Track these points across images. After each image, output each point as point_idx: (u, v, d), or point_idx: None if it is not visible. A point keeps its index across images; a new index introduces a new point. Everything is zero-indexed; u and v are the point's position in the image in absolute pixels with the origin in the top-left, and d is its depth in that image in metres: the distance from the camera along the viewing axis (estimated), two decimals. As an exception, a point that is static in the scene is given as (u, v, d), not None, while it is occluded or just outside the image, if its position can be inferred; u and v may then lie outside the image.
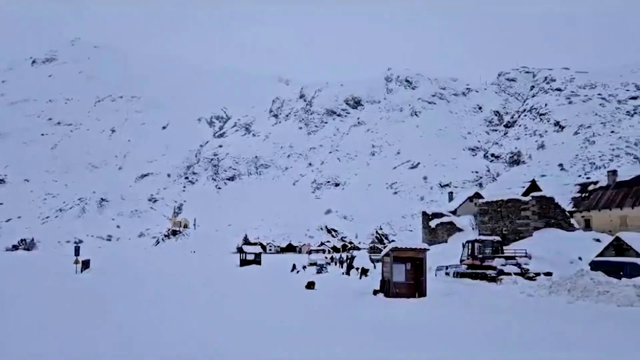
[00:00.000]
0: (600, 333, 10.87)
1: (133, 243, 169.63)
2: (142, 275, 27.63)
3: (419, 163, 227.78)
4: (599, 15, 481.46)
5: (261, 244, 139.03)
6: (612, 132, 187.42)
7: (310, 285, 22.25)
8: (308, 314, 13.66)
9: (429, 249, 20.33)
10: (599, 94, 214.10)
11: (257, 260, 47.78)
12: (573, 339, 9.86)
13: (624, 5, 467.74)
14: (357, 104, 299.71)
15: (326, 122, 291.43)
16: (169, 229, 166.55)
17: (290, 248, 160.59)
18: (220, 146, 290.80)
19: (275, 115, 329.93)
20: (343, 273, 35.24)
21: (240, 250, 55.51)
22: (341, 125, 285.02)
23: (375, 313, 13.84)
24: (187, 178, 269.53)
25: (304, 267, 41.33)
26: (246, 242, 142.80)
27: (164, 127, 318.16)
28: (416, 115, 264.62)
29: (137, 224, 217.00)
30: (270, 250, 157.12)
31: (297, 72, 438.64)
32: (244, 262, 47.53)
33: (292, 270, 38.70)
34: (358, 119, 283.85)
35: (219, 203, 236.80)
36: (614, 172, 56.51)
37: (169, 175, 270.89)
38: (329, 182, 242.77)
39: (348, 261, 39.08)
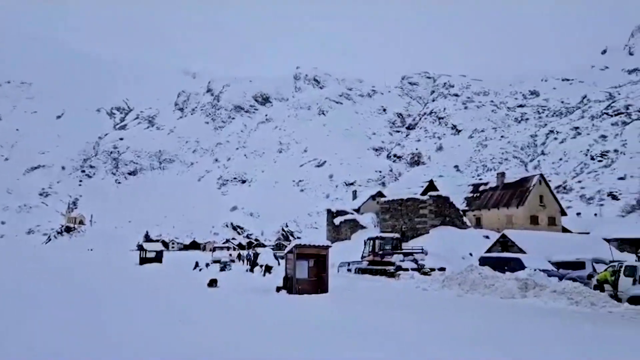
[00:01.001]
0: (482, 322, 11.73)
1: (21, 240, 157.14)
2: (26, 274, 25.73)
3: (325, 161, 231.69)
4: (496, 27, 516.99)
5: (163, 242, 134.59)
6: (502, 136, 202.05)
7: (213, 282, 21.91)
8: (208, 312, 13.46)
9: (331, 246, 20.76)
10: (492, 101, 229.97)
11: (158, 258, 46.13)
12: (459, 328, 10.56)
13: (518, 19, 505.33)
14: (265, 100, 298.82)
15: (233, 118, 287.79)
16: (63, 226, 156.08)
17: (194, 245, 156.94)
18: (121, 139, 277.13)
19: (181, 109, 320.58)
20: (247, 270, 35.05)
21: (140, 247, 53.31)
22: (249, 122, 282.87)
23: (276, 309, 13.94)
24: (83, 171, 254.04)
25: (207, 265, 40.55)
26: (147, 239, 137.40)
27: (58, 117, 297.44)
28: (323, 114, 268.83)
29: (26, 220, 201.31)
30: (173, 247, 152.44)
31: (205, 66, 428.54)
32: (144, 260, 45.72)
33: (195, 268, 37.84)
34: (266, 115, 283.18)
35: (119, 198, 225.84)
36: (502, 174, 61.03)
37: (63, 168, 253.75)
38: (235, 178, 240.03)
39: (252, 258, 38.90)
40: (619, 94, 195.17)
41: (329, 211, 63.36)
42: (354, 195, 73.94)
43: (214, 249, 65.86)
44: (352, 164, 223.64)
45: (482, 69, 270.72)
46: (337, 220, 58.85)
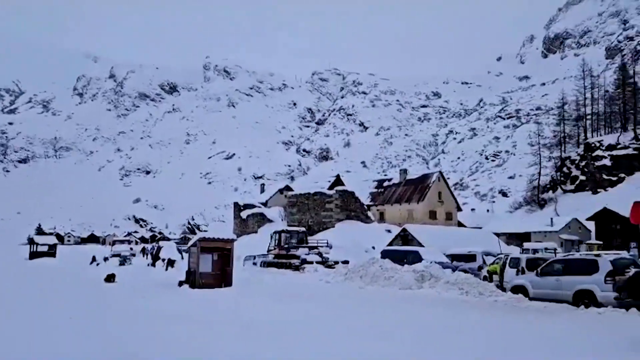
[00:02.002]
0: (380, 312, 12.24)
1: None
2: None
3: (234, 154, 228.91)
4: (403, 29, 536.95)
5: (57, 235, 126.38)
6: (406, 134, 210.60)
7: (110, 278, 20.93)
8: (102, 307, 12.87)
9: (236, 240, 20.59)
10: (397, 100, 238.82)
11: (51, 252, 43.20)
12: (358, 320, 10.94)
13: (424, 23, 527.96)
14: (172, 89, 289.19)
15: (138, 106, 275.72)
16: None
17: (92, 239, 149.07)
18: (11, 123, 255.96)
19: (80, 94, 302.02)
20: (149, 265, 33.86)
21: (31, 241, 49.61)
22: (155, 111, 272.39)
23: (176, 304, 13.62)
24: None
25: (106, 259, 38.65)
26: (39, 232, 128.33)
27: None
28: (233, 106, 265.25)
29: None
30: (69, 241, 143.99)
31: (108, 49, 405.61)
32: (34, 255, 42.62)
33: (92, 262, 35.91)
34: (173, 105, 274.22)
35: (7, 188, 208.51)
36: (404, 171, 63.68)
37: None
38: (139, 169, 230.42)
39: (154, 252, 37.59)
40: (511, 98, 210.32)
41: (236, 204, 62.74)
42: (262, 188, 73.78)
43: (113, 243, 62.82)
44: (261, 157, 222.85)
45: (389, 68, 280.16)
46: (244, 214, 58.44)
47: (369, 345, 8.06)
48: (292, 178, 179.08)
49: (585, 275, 14.68)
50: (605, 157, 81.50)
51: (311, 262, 28.88)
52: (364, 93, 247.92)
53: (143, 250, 52.28)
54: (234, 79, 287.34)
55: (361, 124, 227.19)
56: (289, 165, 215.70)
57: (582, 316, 12.42)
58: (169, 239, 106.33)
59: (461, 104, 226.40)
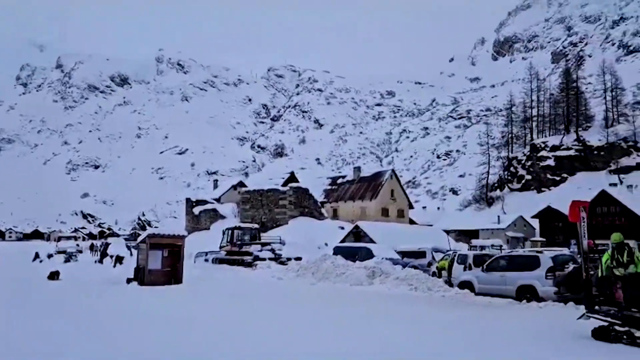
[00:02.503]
0: (330, 309, 12.33)
1: None
2: None
3: (187, 149, 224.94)
4: (357, 27, 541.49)
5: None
6: (360, 132, 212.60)
7: (54, 275, 20.20)
8: (44, 306, 12.41)
9: (187, 236, 20.29)
10: (352, 98, 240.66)
11: (-10, 249, 41.34)
12: (306, 313, 11.00)
13: (379, 22, 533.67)
14: (123, 82, 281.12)
15: (87, 98, 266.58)
16: None
17: (36, 235, 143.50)
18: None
19: (24, 84, 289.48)
20: (96, 262, 32.89)
21: (-32, 237, 47.31)
22: (104, 103, 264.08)
23: (123, 301, 13.30)
24: None
25: (50, 256, 37.26)
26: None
27: None
28: (187, 100, 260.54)
29: None
30: (10, 237, 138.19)
31: (54, 39, 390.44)
32: (-28, 252, 40.68)
33: (35, 259, 34.56)
34: (124, 98, 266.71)
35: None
36: (358, 169, 64.27)
37: None
38: (87, 163, 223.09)
39: (102, 249, 36.55)
40: (462, 99, 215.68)
41: (188, 200, 61.74)
42: (215, 184, 72.86)
43: (59, 239, 60.73)
44: (215, 152, 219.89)
45: (345, 66, 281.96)
46: (197, 210, 57.58)
47: (319, 340, 8.12)
48: (247, 174, 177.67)
49: (528, 271, 15.26)
50: (550, 158, 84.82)
51: (264, 259, 28.79)
52: (320, 90, 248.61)
53: (92, 247, 50.68)
54: (188, 72, 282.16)
55: (316, 121, 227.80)
56: (243, 161, 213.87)
57: (524, 310, 12.91)
58: (118, 236, 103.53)
59: (415, 103, 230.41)
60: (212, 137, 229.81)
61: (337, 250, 26.25)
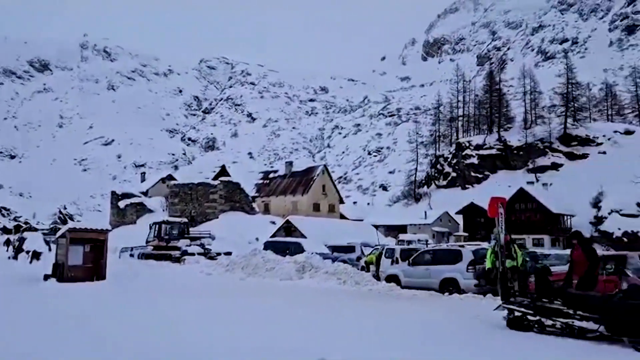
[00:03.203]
0: (257, 301, 12.30)
1: None
2: None
3: (113, 140, 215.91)
4: (293, 22, 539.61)
5: None
6: (293, 127, 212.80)
7: (-38, 273, 18.87)
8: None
9: (111, 230, 19.52)
10: (286, 93, 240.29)
11: None
12: (233, 307, 10.91)
13: (314, 16, 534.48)
14: (44, 67, 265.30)
15: (2, 83, 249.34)
16: None
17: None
18: None
19: None
20: (10, 257, 30.93)
21: None
22: (22, 89, 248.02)
23: (39, 299, 12.63)
24: None
25: (-42, 252, 34.67)
26: None
27: None
28: (113, 89, 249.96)
29: None
30: None
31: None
32: None
33: (-59, 256, 32.01)
34: (44, 84, 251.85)
35: None
36: (290, 163, 64.43)
37: None
38: (1, 152, 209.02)
39: (17, 244, 34.41)
40: (393, 97, 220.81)
41: (113, 193, 59.45)
42: (143, 177, 70.67)
43: (-32, 234, 56.56)
44: (143, 144, 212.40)
45: (278, 61, 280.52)
46: (123, 204, 55.55)
47: (246, 334, 8.07)
48: (176, 167, 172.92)
49: (451, 264, 15.94)
50: (474, 156, 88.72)
51: (192, 254, 28.24)
52: (253, 84, 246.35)
53: (7, 242, 47.48)
54: (115, 60, 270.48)
55: (249, 115, 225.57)
56: (173, 154, 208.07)
57: (446, 302, 13.46)
58: (36, 230, 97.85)
59: (347, 100, 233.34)
60: (140, 128, 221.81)
61: (268, 245, 26.21)
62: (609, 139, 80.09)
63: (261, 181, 63.65)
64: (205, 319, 9.74)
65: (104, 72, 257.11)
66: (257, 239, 36.73)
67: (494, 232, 9.59)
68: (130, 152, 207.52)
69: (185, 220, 35.48)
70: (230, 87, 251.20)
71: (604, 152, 77.53)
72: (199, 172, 60.96)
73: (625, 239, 54.27)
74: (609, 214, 60.13)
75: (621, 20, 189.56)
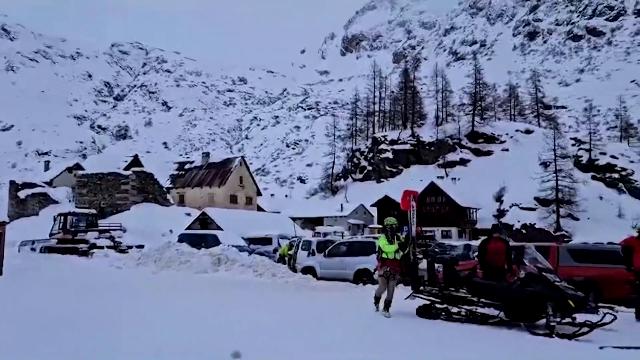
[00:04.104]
0: (168, 295, 11.98)
1: None
2: None
3: (12, 126, 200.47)
4: (211, 10, 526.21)
5: None
6: (211, 118, 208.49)
7: None
8: None
9: (8, 222, 18.18)
10: (203, 82, 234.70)
11: None
12: (143, 302, 10.56)
13: (233, 6, 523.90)
14: None
15: None
16: None
17: None
18: None
19: None
20: None
21: None
22: None
23: None
24: None
25: None
26: None
27: None
28: (13, 70, 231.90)
29: None
30: None
31: None
32: None
33: None
34: None
35: None
36: (207, 154, 63.20)
37: None
38: None
39: None
40: (312, 91, 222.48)
41: (12, 183, 55.34)
42: (47, 166, 66.35)
43: None
44: (47, 131, 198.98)
45: (196, 49, 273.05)
46: (23, 194, 51.90)
47: (156, 329, 7.83)
48: (84, 156, 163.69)
49: (365, 255, 16.38)
50: (389, 151, 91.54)
51: (101, 247, 26.98)
52: (169, 71, 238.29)
53: None
54: (15, 39, 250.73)
55: (164, 104, 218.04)
56: (81, 142, 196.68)
57: (359, 292, 13.81)
58: None
59: (266, 91, 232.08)
60: (44, 114, 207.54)
61: (183, 238, 25.57)
62: (511, 137, 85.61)
63: (176, 172, 61.89)
64: (111, 315, 9.33)
65: (2, 52, 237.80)
66: (171, 232, 35.71)
67: (391, 221, 10.00)
68: (33, 138, 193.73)
69: (94, 211, 33.87)
70: (145, 73, 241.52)
71: (507, 150, 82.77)
72: (109, 162, 58.14)
73: (523, 231, 58.41)
74: (510, 207, 64.45)
75: (524, 27, 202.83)
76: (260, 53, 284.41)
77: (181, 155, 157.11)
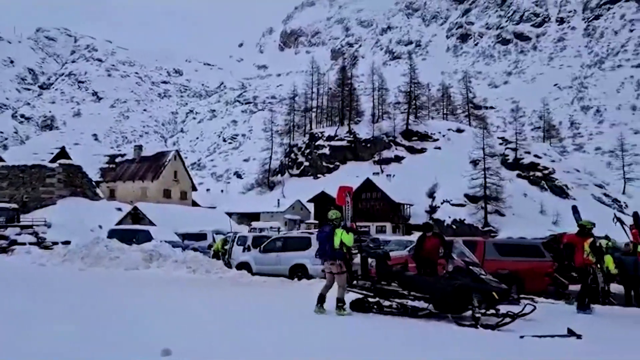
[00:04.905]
0: (95, 293, 11.55)
1: None
2: None
3: None
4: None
5: None
6: (144, 110, 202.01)
7: None
8: None
9: None
10: (137, 73, 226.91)
11: None
12: (67, 300, 10.11)
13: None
14: None
15: None
16: None
17: None
18: None
19: None
20: None
21: None
22: None
23: None
24: None
25: None
26: None
27: None
28: None
29: None
30: None
31: None
32: None
33: None
34: None
35: None
36: (139, 147, 61.27)
37: None
38: None
39: None
40: (250, 85, 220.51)
41: None
42: (-38, 157, 61.88)
43: None
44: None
45: (128, 38, 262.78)
46: None
47: (82, 329, 7.51)
48: (5, 147, 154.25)
49: (300, 251, 16.46)
50: (326, 147, 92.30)
51: (23, 244, 25.52)
52: (100, 60, 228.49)
53: None
54: None
55: (95, 94, 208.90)
56: (2, 133, 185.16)
57: (294, 286, 13.90)
58: None
59: (202, 84, 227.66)
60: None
61: (113, 233, 24.67)
62: (444, 136, 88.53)
63: (107, 165, 59.62)
64: (32, 314, 8.86)
65: None
66: (100, 227, 34.38)
67: (335, 215, 10.06)
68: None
69: (15, 206, 32.02)
70: (73, 62, 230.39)
71: (439, 148, 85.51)
72: (33, 154, 55.03)
73: (454, 226, 60.64)
74: (442, 203, 66.69)
75: (457, 29, 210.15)
76: (197, 45, 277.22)
77: (112, 148, 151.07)
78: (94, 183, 49.10)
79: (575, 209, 13.57)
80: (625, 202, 71.68)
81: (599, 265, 10.91)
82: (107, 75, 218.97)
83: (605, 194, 73.07)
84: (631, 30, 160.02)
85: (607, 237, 15.25)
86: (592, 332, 7.74)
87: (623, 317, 10.35)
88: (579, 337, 7.32)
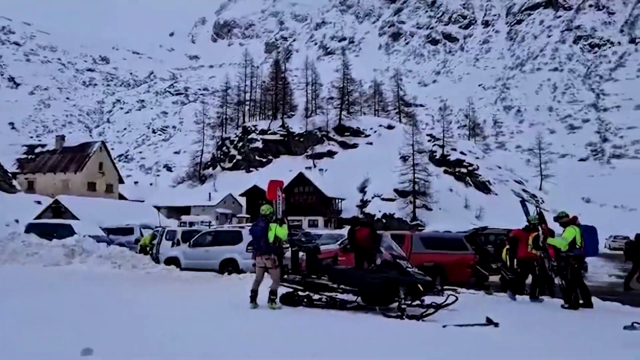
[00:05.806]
0: (6, 291, 10.94)
1: None
2: None
3: None
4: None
5: None
6: (67, 98, 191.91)
7: None
8: None
9: None
10: (59, 59, 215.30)
11: None
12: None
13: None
14: None
15: None
16: None
17: None
18: None
19: None
20: None
21: None
22: None
23: None
24: None
25: None
26: None
27: None
28: None
29: None
30: None
31: None
32: None
33: None
34: None
35: None
36: (62, 137, 58.34)
37: None
38: None
39: None
40: (181, 76, 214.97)
41: None
42: None
43: None
44: None
45: (50, 22, 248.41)
46: None
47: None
48: None
49: (231, 245, 16.32)
50: (258, 141, 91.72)
51: None
52: (17, 44, 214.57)
53: None
54: None
55: (11, 79, 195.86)
56: None
57: (224, 281, 13.75)
58: None
59: (131, 73, 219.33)
60: None
61: (31, 228, 23.38)
62: (375, 132, 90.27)
63: (25, 156, 56.26)
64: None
65: None
66: (17, 221, 32.50)
67: (268, 210, 10.06)
68: None
69: None
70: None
71: (371, 143, 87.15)
72: (-60, 143, 51.20)
73: (384, 220, 62.12)
74: (372, 198, 68.13)
75: (389, 27, 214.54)
76: (125, 32, 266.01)
77: (32, 137, 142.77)
78: (9, 175, 46.29)
79: (523, 203, 14.04)
80: (541, 198, 76.20)
81: (542, 255, 11.23)
82: (25, 60, 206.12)
83: (524, 190, 77.33)
84: (549, 36, 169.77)
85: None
86: (509, 320, 8.20)
87: (542, 306, 10.96)
88: (496, 325, 7.77)
